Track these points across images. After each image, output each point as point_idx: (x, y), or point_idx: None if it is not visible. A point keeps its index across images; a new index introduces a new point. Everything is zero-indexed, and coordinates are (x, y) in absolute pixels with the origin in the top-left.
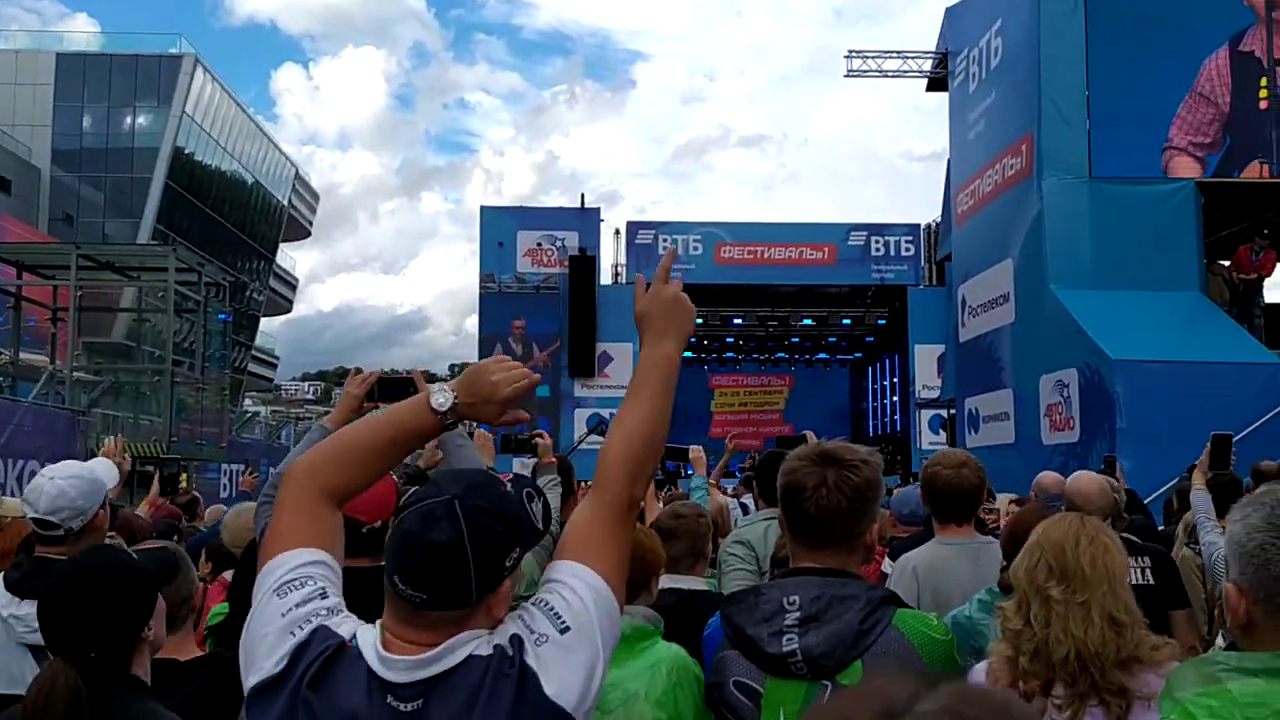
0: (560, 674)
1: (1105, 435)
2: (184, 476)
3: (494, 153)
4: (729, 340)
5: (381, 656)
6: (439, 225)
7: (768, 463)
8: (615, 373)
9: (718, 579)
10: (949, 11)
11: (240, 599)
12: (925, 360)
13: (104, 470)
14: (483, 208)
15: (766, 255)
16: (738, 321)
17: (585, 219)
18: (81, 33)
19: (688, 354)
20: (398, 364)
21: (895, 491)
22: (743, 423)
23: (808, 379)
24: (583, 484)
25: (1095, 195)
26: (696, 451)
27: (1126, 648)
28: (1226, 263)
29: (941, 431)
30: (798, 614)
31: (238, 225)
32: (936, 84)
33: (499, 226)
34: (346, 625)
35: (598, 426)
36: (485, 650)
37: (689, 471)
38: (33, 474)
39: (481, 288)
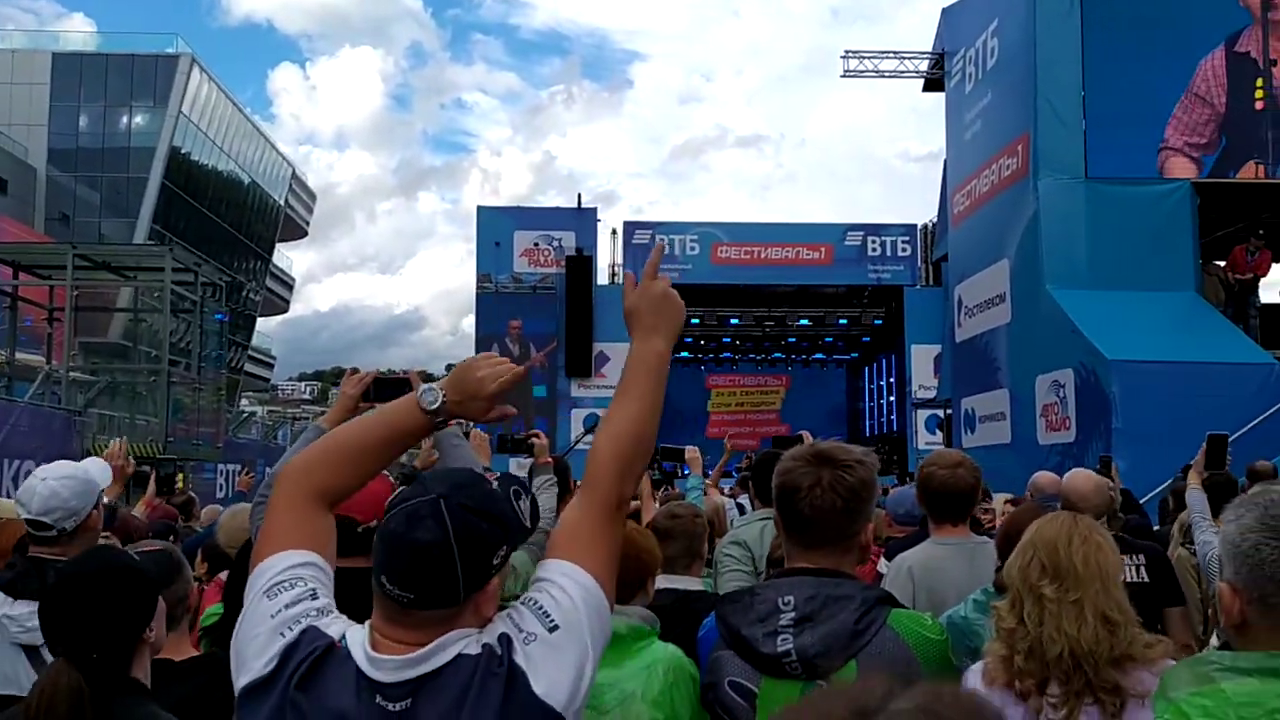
0: (549, 673)
1: (1101, 435)
2: (180, 477)
3: (491, 153)
4: (725, 340)
5: (370, 656)
6: (436, 225)
7: (763, 463)
8: (612, 373)
9: (714, 580)
10: (945, 12)
11: (235, 599)
12: (922, 360)
13: (97, 470)
14: (479, 208)
15: (763, 255)
16: (734, 321)
17: (582, 219)
18: (78, 32)
19: (684, 354)
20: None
21: (891, 491)
22: (739, 423)
23: (804, 379)
24: (579, 484)
25: (1091, 196)
26: (693, 452)
27: (1120, 646)
28: (1222, 263)
29: (938, 431)
30: (793, 614)
31: (234, 225)
32: (933, 84)
33: (496, 226)
34: (336, 626)
35: (594, 426)
36: (474, 649)
37: (685, 472)
38: (29, 474)
39: (478, 288)
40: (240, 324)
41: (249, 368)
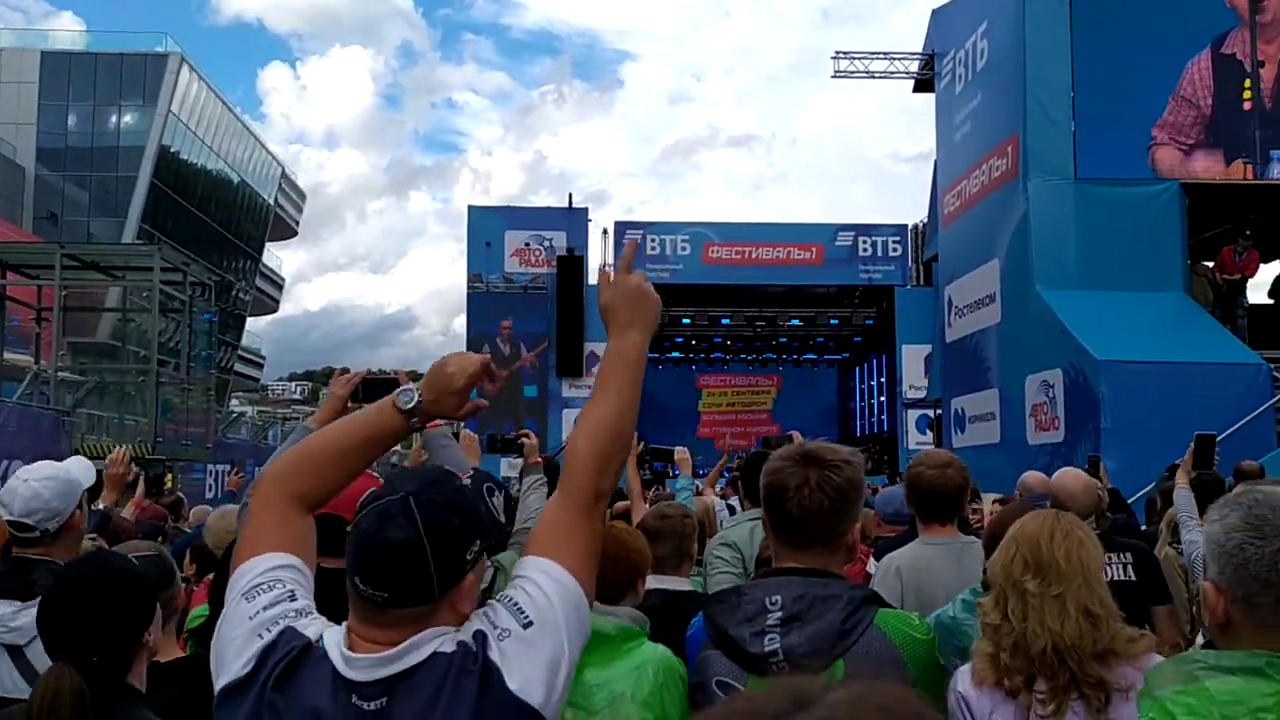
0: (523, 669)
1: (1090, 435)
2: (169, 477)
3: (482, 152)
4: (716, 340)
5: (345, 656)
6: (427, 225)
7: (752, 463)
8: None
9: (704, 580)
10: (935, 13)
11: (220, 601)
12: (912, 360)
13: (79, 470)
14: (470, 207)
15: (754, 255)
16: (725, 321)
17: (573, 219)
18: (67, 31)
19: (675, 354)
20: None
21: (880, 491)
22: (730, 423)
23: (795, 379)
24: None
25: (1080, 196)
26: (682, 453)
27: (1103, 640)
28: (1210, 263)
29: (928, 431)
30: (780, 614)
31: (224, 225)
32: (923, 85)
33: (487, 226)
34: (314, 626)
35: None
36: (449, 647)
37: (676, 472)
38: None
39: (469, 287)
40: (230, 324)
41: (239, 368)
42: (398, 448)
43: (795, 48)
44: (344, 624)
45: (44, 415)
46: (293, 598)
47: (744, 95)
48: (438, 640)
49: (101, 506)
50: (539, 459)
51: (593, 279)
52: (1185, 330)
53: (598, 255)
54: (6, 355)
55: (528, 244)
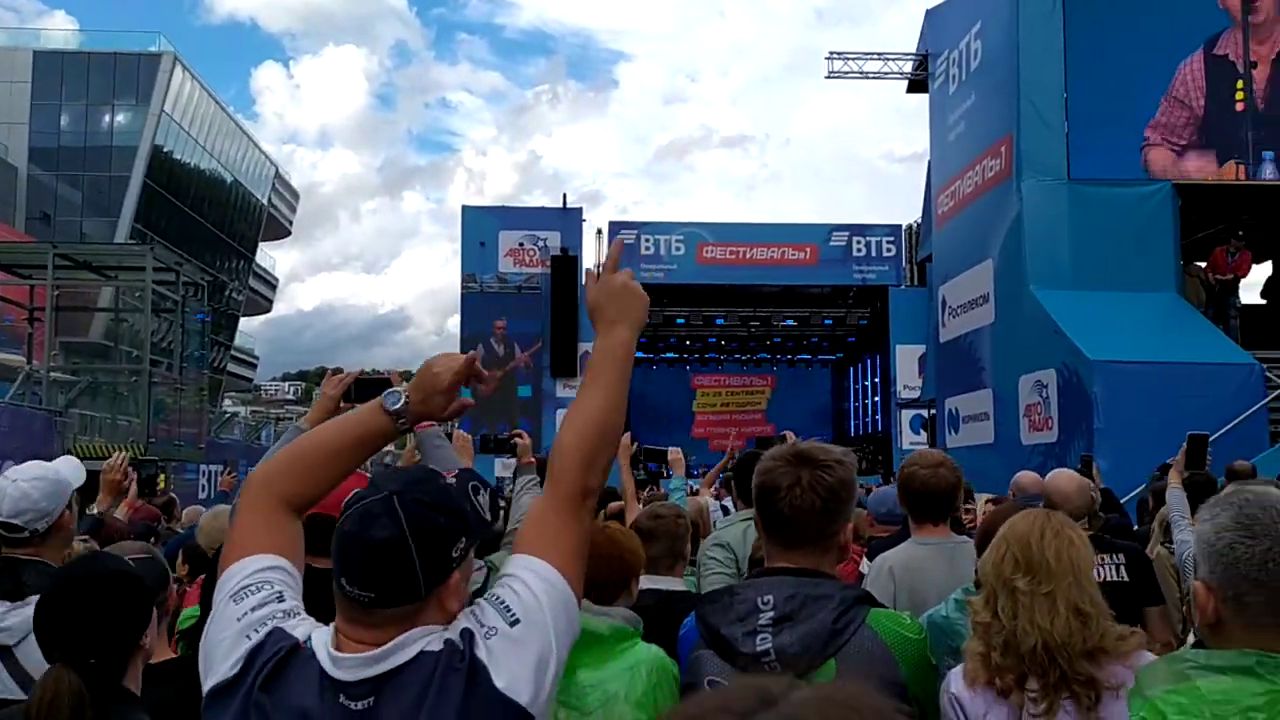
0: (510, 667)
1: (1083, 435)
2: (162, 477)
3: (476, 152)
4: (711, 340)
5: (332, 656)
6: (421, 225)
7: (745, 463)
8: None
9: (697, 581)
10: (929, 13)
11: (210, 602)
12: (906, 360)
13: (69, 470)
14: (464, 207)
15: (748, 255)
16: (720, 322)
17: (567, 219)
18: (59, 30)
19: (669, 354)
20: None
21: (874, 490)
22: (725, 423)
23: (790, 379)
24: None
25: (1074, 197)
26: (675, 453)
27: (1092, 638)
28: (1203, 264)
29: (922, 431)
30: (772, 614)
31: (217, 224)
32: (917, 85)
33: (481, 226)
34: (302, 627)
35: None
36: (437, 646)
37: (670, 473)
38: None
39: (463, 287)
40: (223, 324)
41: (232, 368)
42: (391, 448)
43: (789, 48)
44: (332, 624)
45: (36, 415)
46: (281, 599)
47: (738, 96)
48: (425, 639)
49: (96, 510)
50: (532, 459)
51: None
52: (1178, 330)
53: (592, 255)
54: None
55: (522, 244)
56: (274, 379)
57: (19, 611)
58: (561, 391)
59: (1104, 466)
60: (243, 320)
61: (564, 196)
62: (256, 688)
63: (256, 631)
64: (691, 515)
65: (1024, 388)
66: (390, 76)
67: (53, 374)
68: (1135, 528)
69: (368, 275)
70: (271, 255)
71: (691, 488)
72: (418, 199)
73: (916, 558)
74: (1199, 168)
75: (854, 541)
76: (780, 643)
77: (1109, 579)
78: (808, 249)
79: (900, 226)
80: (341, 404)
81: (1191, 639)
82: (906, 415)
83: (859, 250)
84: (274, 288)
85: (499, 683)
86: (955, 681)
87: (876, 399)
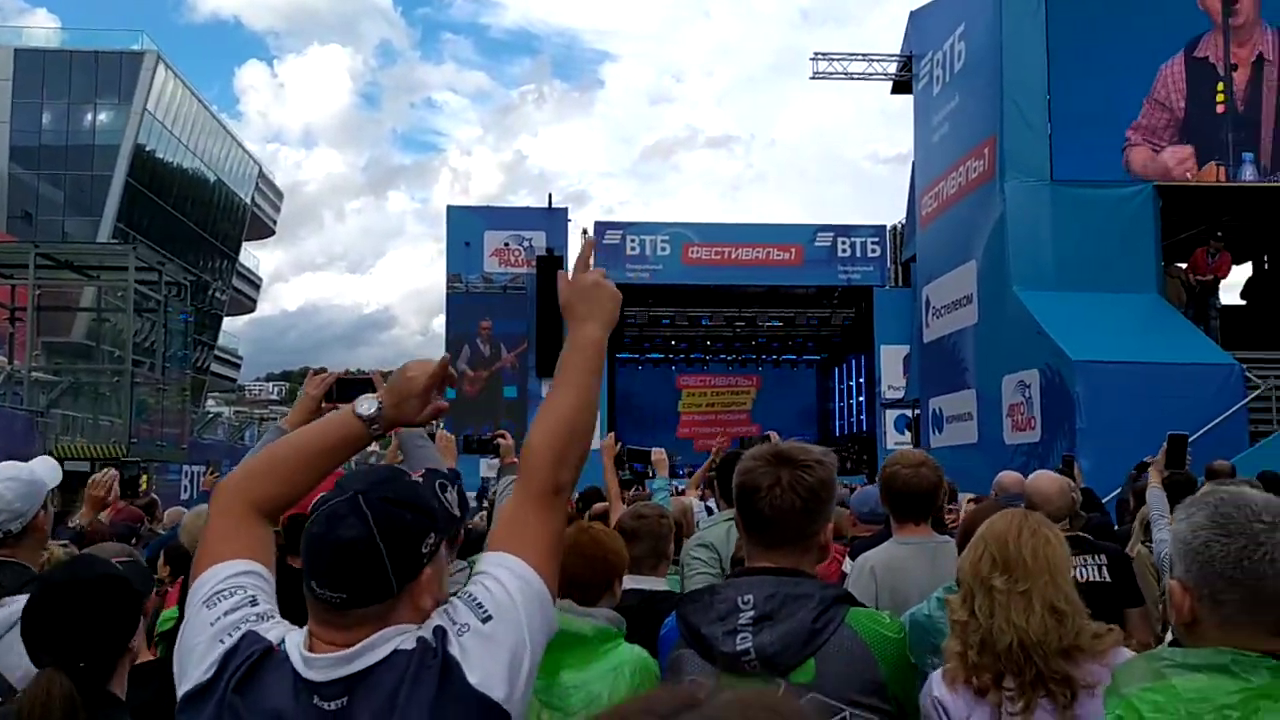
0: (483, 663)
1: (1066, 435)
2: (144, 478)
3: (461, 152)
4: (696, 340)
5: (305, 657)
6: (406, 225)
7: (728, 463)
8: None
9: (681, 581)
10: (913, 15)
11: None
12: (891, 360)
13: (45, 470)
14: (449, 207)
15: (734, 256)
16: (705, 322)
17: (553, 219)
18: (41, 28)
19: (655, 354)
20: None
21: (857, 490)
22: (710, 423)
23: (775, 379)
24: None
25: (1056, 198)
26: (659, 454)
27: (1068, 637)
28: (1184, 265)
29: (906, 432)
30: (752, 613)
31: (200, 224)
32: (901, 86)
33: (466, 226)
34: (276, 630)
35: None
36: (410, 644)
37: (655, 473)
38: None
39: (448, 288)
40: (206, 324)
41: (215, 368)
42: (375, 447)
43: (774, 48)
44: (305, 627)
45: (17, 415)
46: (254, 603)
47: (723, 96)
48: (398, 638)
49: (79, 523)
50: (515, 459)
51: None
52: (1159, 331)
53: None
54: None
55: (507, 244)
56: (258, 379)
57: None
58: (547, 392)
59: (1086, 466)
60: (226, 320)
61: (549, 196)
62: (230, 690)
63: (230, 636)
64: (675, 515)
65: (1007, 388)
66: (375, 76)
67: (34, 374)
68: (1116, 527)
69: (352, 275)
70: (255, 255)
71: (676, 488)
72: (403, 199)
73: (898, 557)
74: (1180, 169)
75: (837, 541)
76: (760, 642)
77: (1092, 579)
78: (793, 249)
79: (885, 227)
80: (324, 404)
81: (1170, 638)
82: (891, 415)
83: (844, 251)
84: (258, 287)
85: (472, 679)
86: (937, 685)
87: (861, 399)
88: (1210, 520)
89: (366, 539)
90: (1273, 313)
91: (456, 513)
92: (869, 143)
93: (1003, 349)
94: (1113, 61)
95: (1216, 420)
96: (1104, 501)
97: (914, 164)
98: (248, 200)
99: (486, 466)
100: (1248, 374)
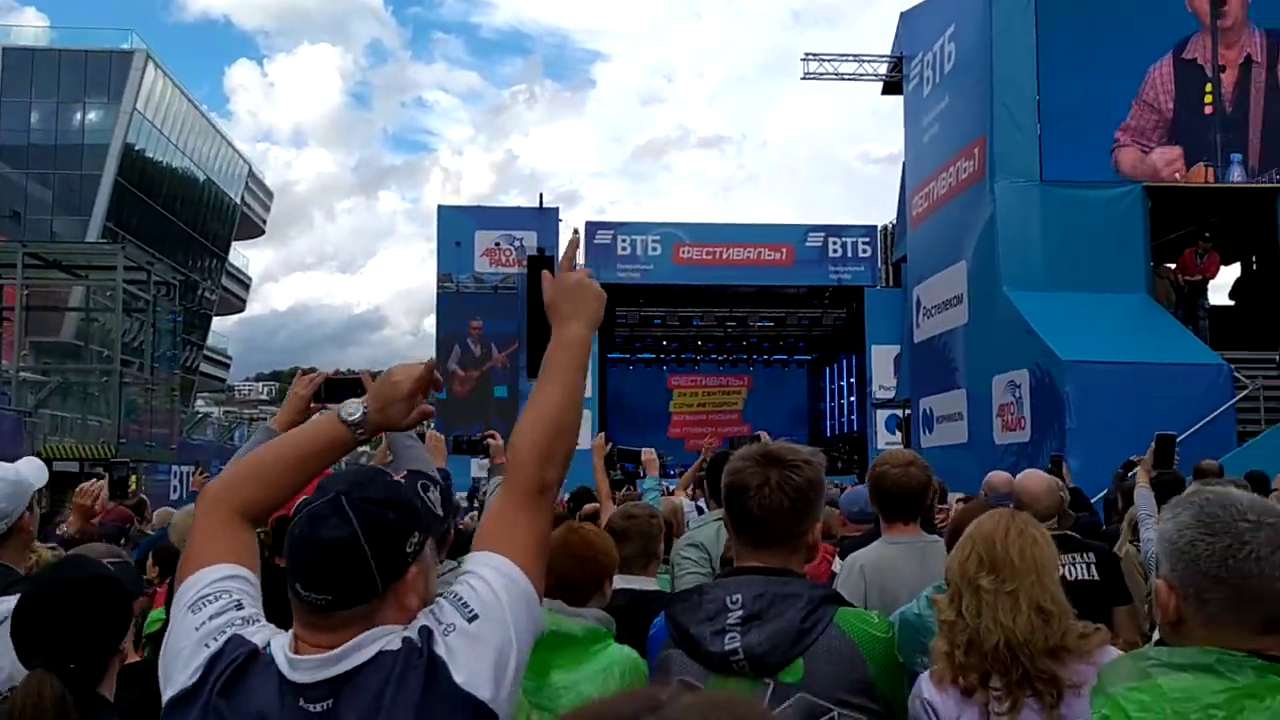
0: (469, 662)
1: (1055, 435)
2: (133, 479)
3: (452, 152)
4: (687, 340)
5: (290, 659)
6: (396, 224)
7: (716, 463)
8: None
9: (671, 581)
10: (904, 15)
11: None
12: (882, 361)
13: (30, 471)
14: (440, 207)
15: (725, 256)
16: (696, 322)
17: (544, 219)
18: (30, 27)
19: (646, 354)
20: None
21: (847, 489)
22: (701, 423)
23: (766, 379)
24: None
25: (1046, 198)
26: (649, 454)
27: (1054, 636)
28: (1172, 265)
29: (897, 432)
30: (740, 613)
31: (189, 223)
32: (892, 87)
33: (457, 226)
34: (261, 634)
35: None
36: (395, 645)
37: (646, 473)
38: None
39: (439, 287)
40: (195, 323)
41: (204, 368)
42: (366, 448)
43: (765, 49)
44: (290, 630)
45: (5, 416)
46: (239, 606)
47: (715, 96)
48: (384, 639)
49: (66, 531)
50: (505, 459)
51: None
52: (1148, 331)
53: None
54: None
55: (498, 244)
56: (247, 379)
57: None
58: (532, 391)
59: (1075, 466)
60: (216, 320)
61: (540, 196)
62: (215, 694)
63: (215, 640)
64: (665, 515)
65: (997, 388)
66: (366, 75)
67: (22, 374)
68: (1103, 527)
69: (343, 275)
70: (245, 254)
71: (667, 488)
72: (393, 198)
73: (887, 557)
74: (1168, 170)
75: (826, 540)
76: (748, 641)
77: (1080, 578)
78: (784, 249)
79: (876, 227)
80: (312, 404)
81: (1157, 637)
82: (882, 415)
83: (835, 251)
84: (247, 287)
85: (458, 678)
86: (927, 687)
87: (852, 399)
88: (1196, 519)
89: (350, 539)
90: (1261, 313)
91: (439, 512)
92: (860, 143)
93: (993, 349)
94: (1102, 63)
95: (1205, 420)
96: (1092, 501)
97: (904, 164)
98: (237, 200)
99: (477, 467)
100: (1236, 374)
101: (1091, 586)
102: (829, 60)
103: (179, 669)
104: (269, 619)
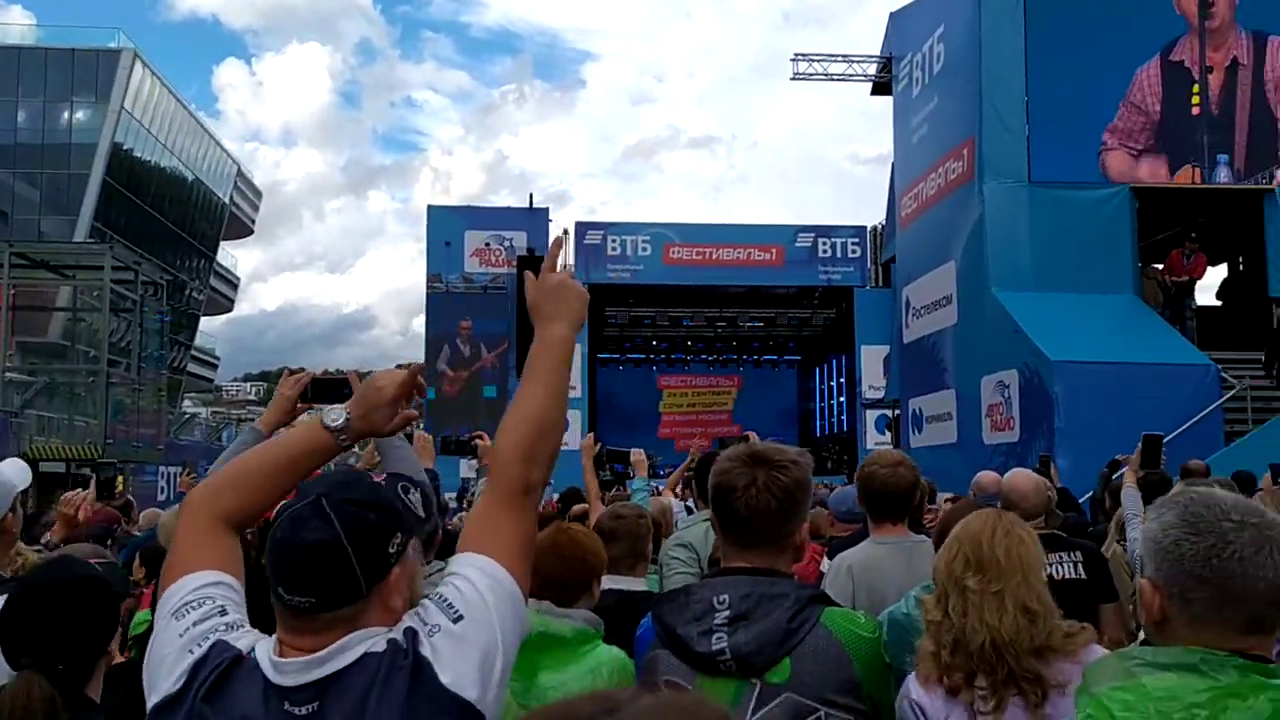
0: (455, 663)
1: (1044, 435)
2: (120, 479)
3: (442, 151)
4: (677, 340)
5: (274, 662)
6: (386, 224)
7: (705, 464)
8: None
9: (660, 581)
10: (893, 16)
11: None
12: (871, 361)
13: (13, 472)
14: (430, 207)
15: (715, 256)
16: (686, 322)
17: (534, 219)
18: (16, 25)
19: (636, 354)
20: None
21: (835, 489)
22: (691, 423)
23: (756, 379)
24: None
25: (1034, 199)
26: (637, 455)
27: (1039, 636)
28: (1160, 266)
29: (887, 432)
30: (727, 613)
31: (177, 223)
32: (881, 88)
33: (446, 226)
34: (245, 639)
35: None
36: (380, 646)
37: (634, 474)
38: None
39: (429, 288)
40: (183, 323)
41: (192, 368)
42: (355, 449)
43: (755, 49)
44: (274, 635)
45: None
46: (223, 613)
47: (705, 96)
48: (369, 641)
49: (51, 540)
50: None
51: None
52: (1136, 331)
53: (559, 256)
54: None
55: (488, 244)
56: (236, 379)
57: None
58: (515, 392)
59: (1064, 466)
60: (204, 320)
61: (530, 196)
62: (199, 700)
63: (199, 646)
64: (654, 515)
65: (986, 388)
66: (355, 74)
67: (9, 374)
68: (1091, 527)
69: (332, 275)
70: (233, 254)
71: (655, 489)
72: (383, 198)
73: (875, 557)
74: (1155, 172)
75: (815, 540)
76: (735, 642)
77: (1068, 576)
78: (774, 250)
79: (865, 228)
80: (299, 404)
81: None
82: (871, 415)
83: (824, 251)
84: (236, 287)
85: (444, 679)
86: (914, 688)
87: (842, 399)
88: (1180, 519)
89: (332, 541)
90: (1248, 314)
91: (420, 514)
92: (849, 144)
93: (982, 349)
94: (1090, 64)
95: (1192, 420)
96: (1080, 501)
97: (894, 165)
98: (226, 199)
99: (466, 467)
100: (1223, 374)
101: (1079, 585)
102: (818, 61)
103: (163, 675)
104: (256, 622)
